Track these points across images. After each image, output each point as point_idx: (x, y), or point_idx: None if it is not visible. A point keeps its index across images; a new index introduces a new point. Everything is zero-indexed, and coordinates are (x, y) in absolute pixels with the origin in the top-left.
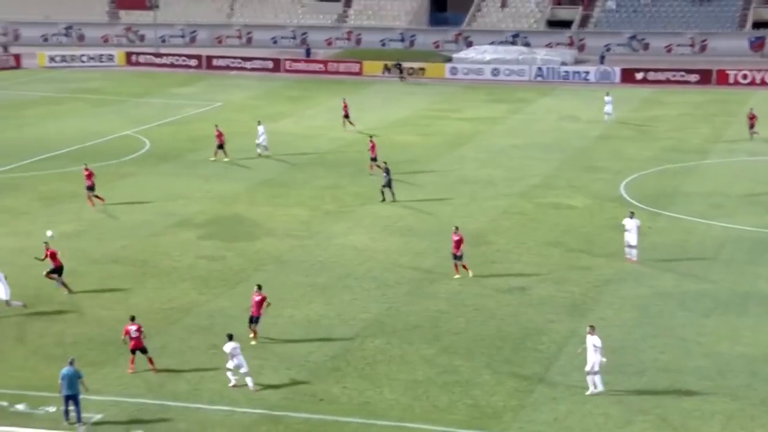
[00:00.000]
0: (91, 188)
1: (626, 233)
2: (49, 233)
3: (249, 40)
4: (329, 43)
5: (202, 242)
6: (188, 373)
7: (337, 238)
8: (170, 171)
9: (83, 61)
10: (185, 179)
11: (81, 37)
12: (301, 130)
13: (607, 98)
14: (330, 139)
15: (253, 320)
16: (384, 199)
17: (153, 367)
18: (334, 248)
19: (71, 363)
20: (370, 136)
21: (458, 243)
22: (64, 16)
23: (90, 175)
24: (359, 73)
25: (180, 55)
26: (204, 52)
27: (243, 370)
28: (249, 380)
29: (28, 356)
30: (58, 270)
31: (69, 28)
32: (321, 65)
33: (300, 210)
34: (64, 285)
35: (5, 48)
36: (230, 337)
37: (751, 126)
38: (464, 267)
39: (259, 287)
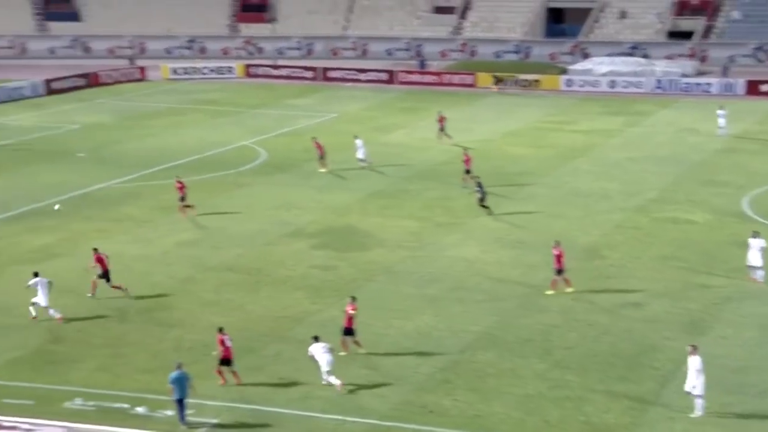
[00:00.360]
0: (182, 199)
1: (749, 253)
2: (56, 206)
3: (364, 52)
4: (443, 55)
5: (315, 252)
6: (301, 381)
7: (447, 250)
8: (285, 181)
9: (204, 73)
10: (299, 189)
11: (202, 50)
12: (413, 142)
13: (720, 112)
14: (441, 150)
15: (348, 332)
16: (490, 212)
17: (224, 380)
18: (444, 260)
19: (179, 367)
20: (465, 149)
21: (559, 257)
22: (187, 29)
23: (182, 187)
24: (473, 85)
25: (296, 67)
26: (320, 63)
27: (327, 370)
28: (334, 379)
29: (148, 360)
30: (105, 274)
31: (191, 41)
32: (435, 77)
33: (411, 221)
34: (117, 287)
35: (131, 61)
36: (316, 339)
37: None
38: (566, 281)
39: (353, 299)
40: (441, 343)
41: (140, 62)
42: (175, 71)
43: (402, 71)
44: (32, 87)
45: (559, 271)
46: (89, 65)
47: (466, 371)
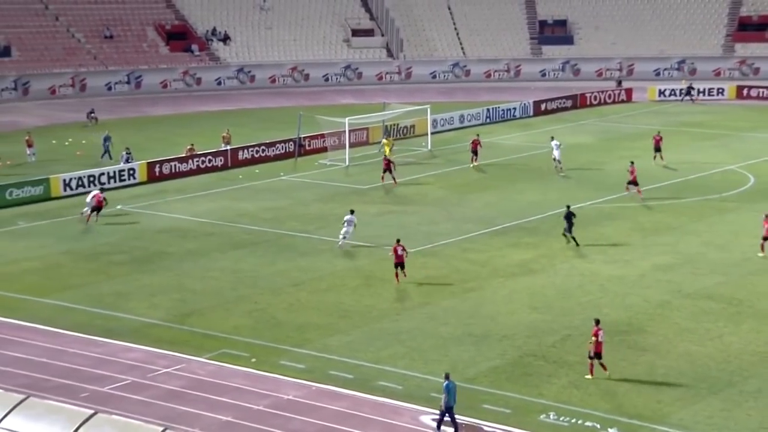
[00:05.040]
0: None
1: None
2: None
3: None
4: None
5: None
6: None
7: None
8: None
9: (692, 95)
10: None
11: (692, 71)
12: None
13: None
14: None
15: (597, 356)
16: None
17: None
18: None
19: (447, 377)
20: (632, 162)
21: None
22: (679, 50)
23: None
24: None
25: None
26: None
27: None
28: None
29: (618, 383)
30: (98, 209)
31: (681, 62)
32: None
33: None
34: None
35: (619, 83)
36: (352, 212)
37: None
38: None
39: (598, 322)
40: None
41: (627, 84)
42: (661, 93)
43: None
44: (522, 108)
45: None
46: (577, 87)
47: None
